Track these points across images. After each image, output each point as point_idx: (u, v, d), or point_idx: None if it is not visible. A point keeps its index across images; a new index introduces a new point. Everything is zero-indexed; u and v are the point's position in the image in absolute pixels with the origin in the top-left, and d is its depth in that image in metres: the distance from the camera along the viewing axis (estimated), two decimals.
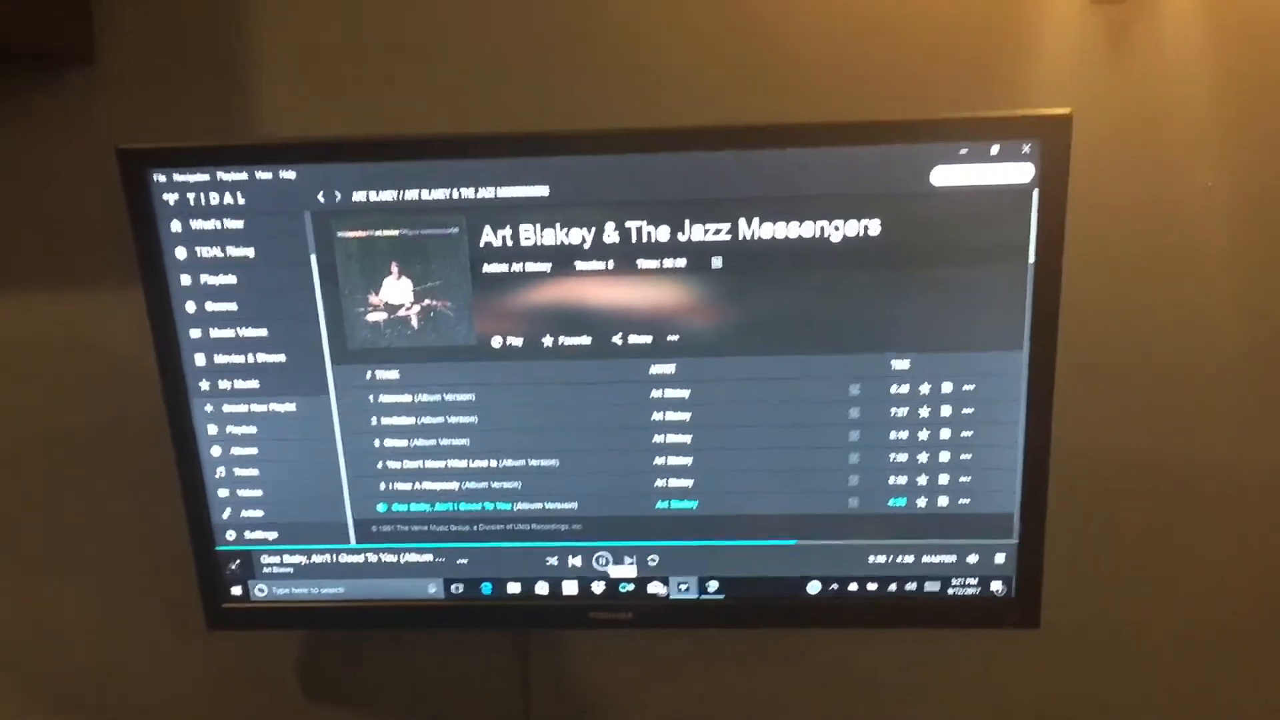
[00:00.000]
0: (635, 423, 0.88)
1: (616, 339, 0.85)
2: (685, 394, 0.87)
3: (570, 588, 0.94)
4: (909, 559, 0.90)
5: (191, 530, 0.94)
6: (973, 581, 0.91)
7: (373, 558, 0.94)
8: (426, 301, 0.86)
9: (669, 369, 0.86)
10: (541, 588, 0.95)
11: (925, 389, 0.85)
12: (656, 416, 0.88)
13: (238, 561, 0.95)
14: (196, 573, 0.95)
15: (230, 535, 0.94)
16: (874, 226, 0.82)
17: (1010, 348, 0.84)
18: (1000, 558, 0.90)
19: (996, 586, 0.91)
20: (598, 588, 0.94)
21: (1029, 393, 0.85)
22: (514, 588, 0.95)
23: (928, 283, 0.83)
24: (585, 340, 0.86)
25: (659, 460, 0.89)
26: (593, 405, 0.88)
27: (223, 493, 0.93)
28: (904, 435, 0.86)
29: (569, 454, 0.90)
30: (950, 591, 0.92)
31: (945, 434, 0.86)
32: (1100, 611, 1.05)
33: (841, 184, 0.81)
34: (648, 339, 0.85)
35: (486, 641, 1.13)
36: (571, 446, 0.89)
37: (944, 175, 0.80)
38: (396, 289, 0.86)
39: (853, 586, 0.92)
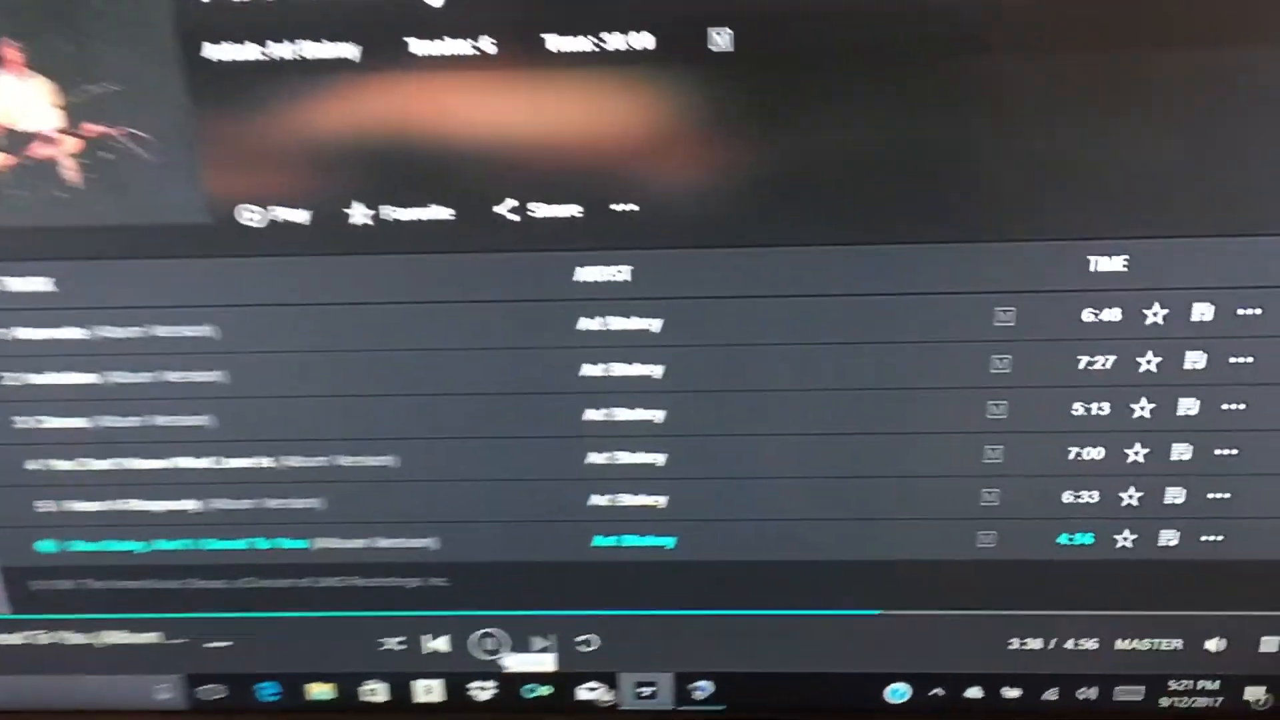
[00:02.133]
0: (549, 382, 0.51)
1: (505, 211, 0.47)
2: (650, 325, 0.49)
3: (428, 692, 0.59)
4: (1090, 643, 0.55)
5: None
6: (1210, 685, 0.56)
7: (43, 638, 0.58)
8: (93, 129, 0.46)
9: (616, 273, 0.49)
10: (373, 692, 0.59)
11: (1155, 314, 0.48)
12: (591, 371, 0.51)
13: None
14: None
15: None
16: None
17: None
18: (1270, 644, 0.55)
19: (1256, 696, 0.57)
20: (481, 693, 0.59)
21: None
22: (320, 692, 0.59)
23: (1175, 82, 0.44)
24: (441, 214, 0.47)
25: (596, 457, 0.52)
26: (461, 348, 0.50)
27: None
28: (1100, 408, 0.49)
29: (416, 447, 0.52)
30: (1165, 703, 0.57)
31: (1188, 407, 0.49)
32: None
33: None
34: (572, 212, 0.47)
35: None
36: (421, 430, 0.52)
37: None
38: (24, 102, 0.46)
39: (974, 692, 0.57)
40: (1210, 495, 0.51)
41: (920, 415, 0.50)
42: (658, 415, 0.51)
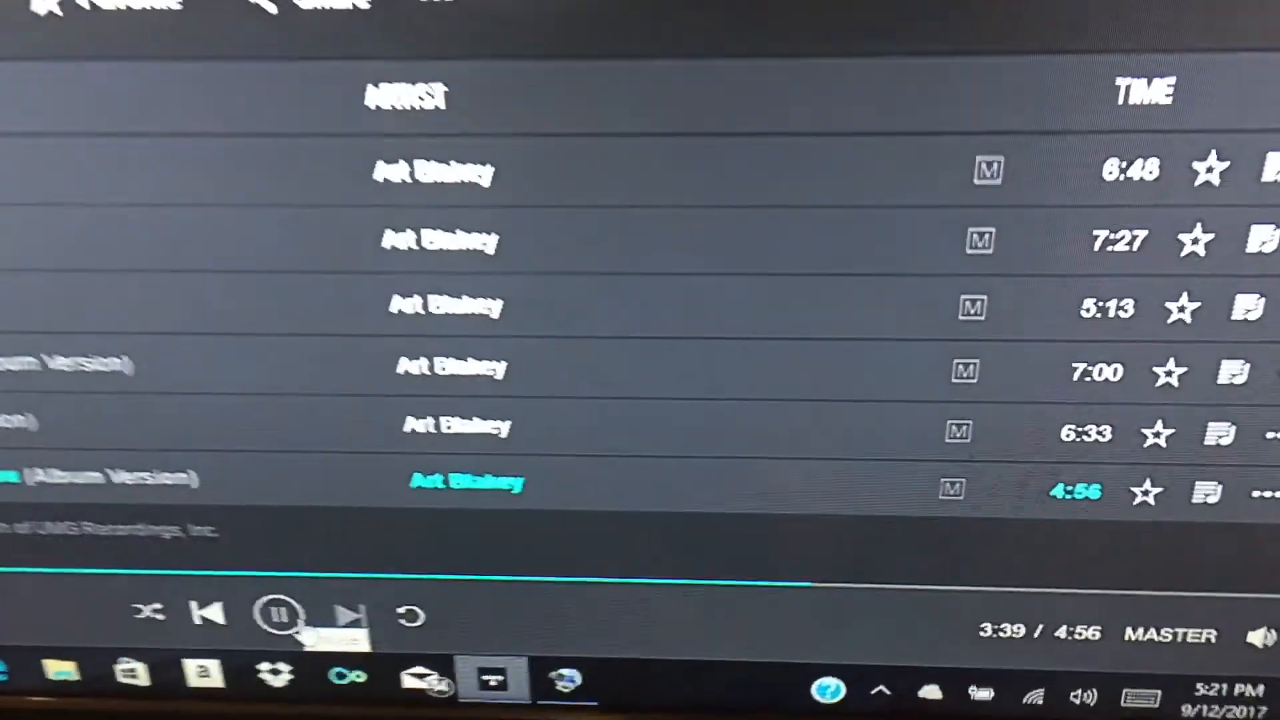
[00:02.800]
0: (339, 256, 0.37)
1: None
2: (477, 175, 0.35)
3: (203, 674, 0.45)
4: (1090, 632, 0.42)
5: None
6: (1251, 691, 0.42)
7: None
8: None
9: (424, 96, 0.34)
10: (132, 673, 0.45)
11: (1209, 169, 0.34)
12: (396, 241, 0.37)
13: None
14: None
15: None
16: None
17: None
18: None
19: None
20: (273, 677, 0.45)
21: None
22: (61, 671, 0.45)
23: None
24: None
25: (410, 364, 0.39)
26: (212, 204, 0.36)
27: None
28: (1121, 307, 0.36)
29: (157, 344, 0.39)
30: (1189, 712, 0.43)
31: (1247, 307, 0.36)
32: None
33: None
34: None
35: None
36: (163, 322, 0.38)
37: None
38: None
39: (930, 692, 0.44)
40: (1271, 434, 0.38)
41: (858, 311, 0.37)
42: (492, 307, 0.38)
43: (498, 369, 0.39)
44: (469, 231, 0.37)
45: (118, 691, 0.46)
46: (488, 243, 0.37)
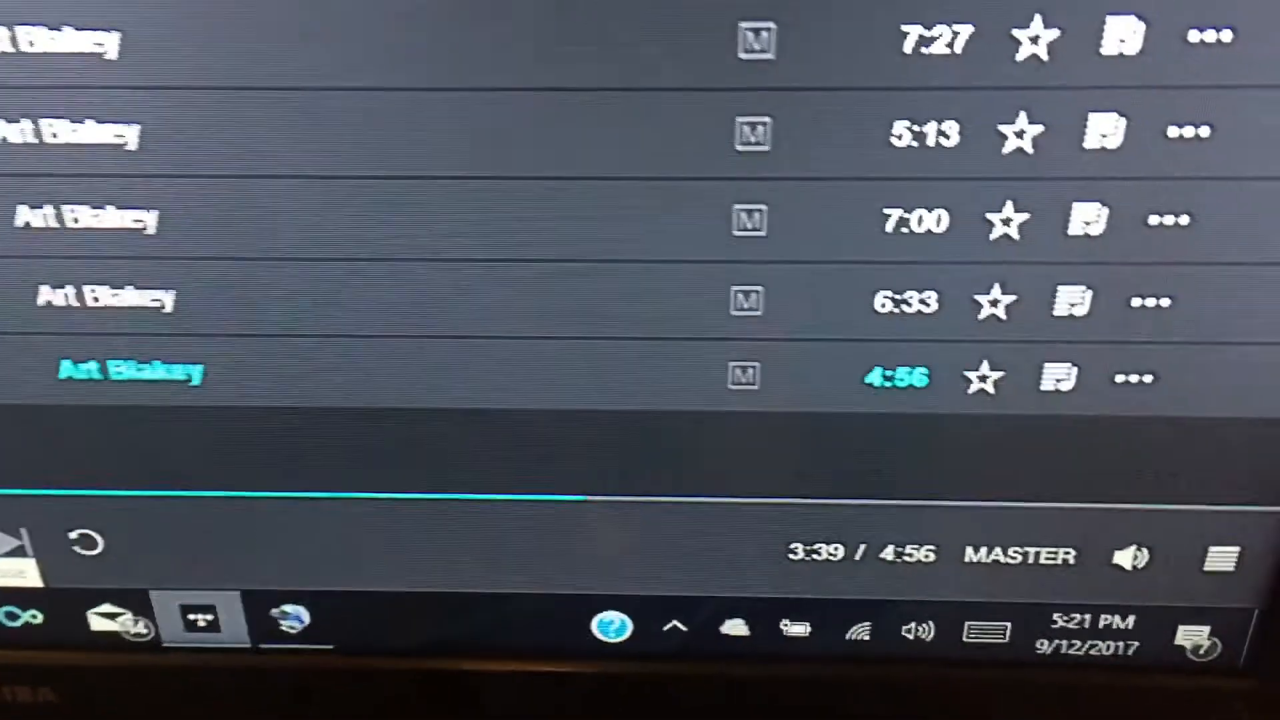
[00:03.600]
0: None
1: None
2: None
3: None
4: (922, 553, 0.34)
5: None
6: (1119, 622, 0.34)
7: None
8: None
9: None
10: None
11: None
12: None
13: None
14: None
15: None
16: None
17: None
18: (1222, 557, 0.33)
19: (1193, 640, 0.34)
20: None
21: None
22: None
23: None
24: None
25: (28, 213, 0.29)
26: None
27: None
28: (944, 129, 0.27)
29: None
30: (1045, 647, 0.35)
31: (1103, 131, 0.27)
32: None
33: None
34: None
35: None
36: None
37: None
38: None
39: (735, 626, 0.36)
40: (1137, 300, 0.31)
41: (610, 140, 0.28)
42: (129, 132, 0.30)
43: (147, 219, 0.31)
44: (93, 29, 0.28)
45: None
46: (110, 41, 0.28)
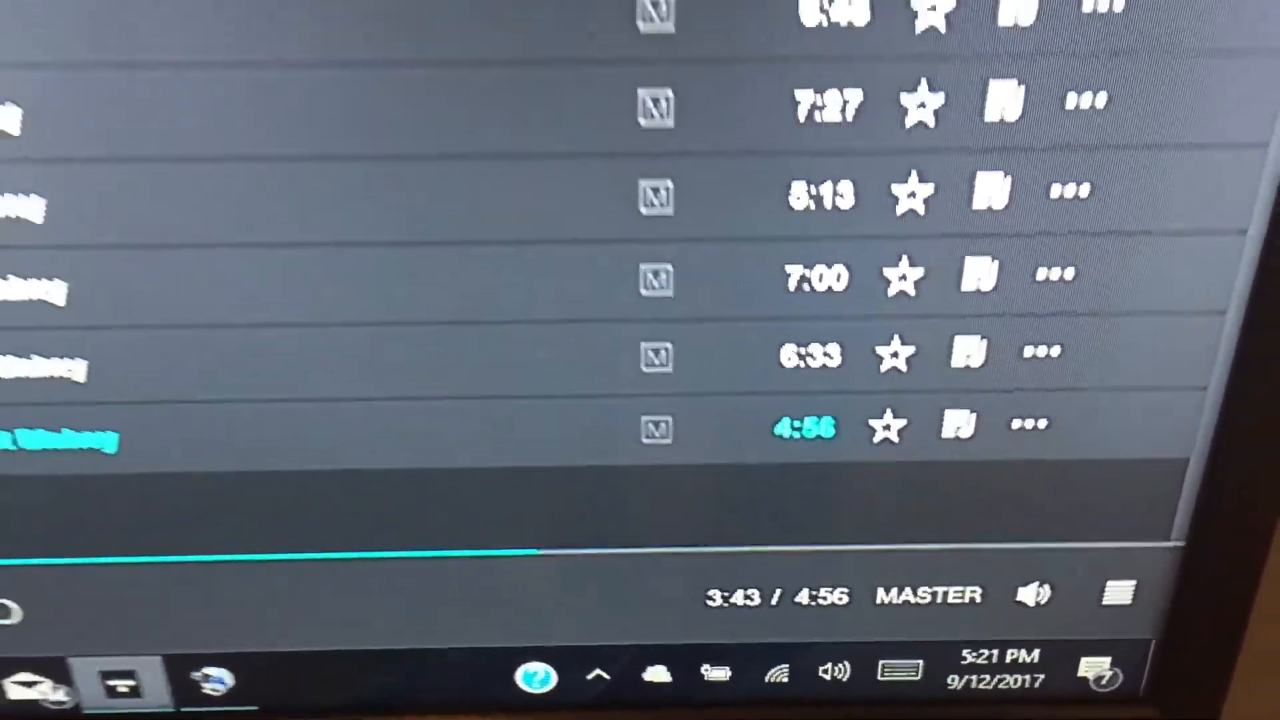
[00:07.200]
0: None
1: None
2: None
3: None
4: (835, 595, 0.33)
5: None
6: (1025, 656, 0.34)
7: None
8: None
9: None
10: None
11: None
12: None
13: None
14: None
15: None
16: None
17: None
18: (1119, 591, 0.33)
19: (1095, 670, 0.34)
20: None
21: None
22: None
23: None
24: None
25: None
26: None
27: None
28: (840, 190, 0.27)
29: None
30: (955, 682, 0.35)
31: (989, 192, 0.27)
32: None
33: None
34: None
35: None
36: None
37: None
38: None
39: (657, 673, 0.35)
40: (1029, 350, 0.31)
41: (526, 205, 0.27)
42: (33, 204, 0.29)
43: (53, 291, 0.29)
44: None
45: None
46: (14, 116, 0.27)
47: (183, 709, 0.35)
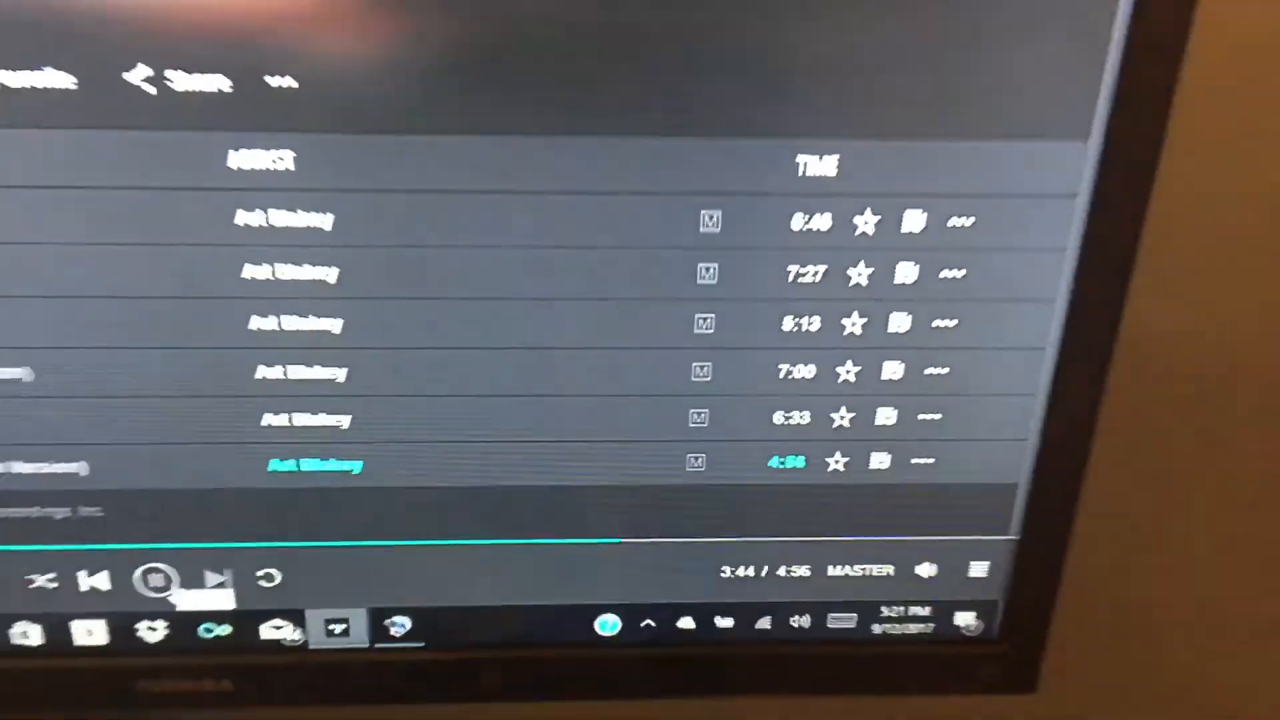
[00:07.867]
0: (206, 285, 0.43)
1: (138, 80, 0.39)
2: (320, 221, 0.42)
3: (89, 634, 0.51)
4: (802, 570, 0.51)
5: None
6: (921, 611, 0.54)
7: None
8: None
9: (276, 160, 0.41)
10: (25, 635, 0.50)
11: (866, 223, 0.44)
12: (254, 273, 0.43)
13: None
14: None
15: None
16: None
17: (1063, 135, 0.43)
18: (979, 568, 0.53)
19: (965, 621, 0.55)
20: (151, 634, 0.51)
21: (1088, 231, 0.45)
22: None
23: None
24: (62, 80, 0.39)
25: (267, 371, 0.45)
26: (101, 242, 0.42)
27: None
28: (810, 322, 0.46)
29: (53, 357, 0.44)
30: (878, 629, 0.54)
31: (899, 323, 0.46)
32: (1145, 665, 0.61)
33: None
34: (219, 85, 0.39)
35: None
36: (59, 338, 0.44)
37: None
38: None
39: (686, 623, 0.53)
40: (921, 416, 0.49)
41: (622, 327, 0.46)
42: (334, 325, 0.45)
43: (339, 374, 0.46)
44: (314, 264, 0.44)
45: (11, 652, 0.51)
46: (329, 274, 0.44)
47: (375, 644, 0.53)
